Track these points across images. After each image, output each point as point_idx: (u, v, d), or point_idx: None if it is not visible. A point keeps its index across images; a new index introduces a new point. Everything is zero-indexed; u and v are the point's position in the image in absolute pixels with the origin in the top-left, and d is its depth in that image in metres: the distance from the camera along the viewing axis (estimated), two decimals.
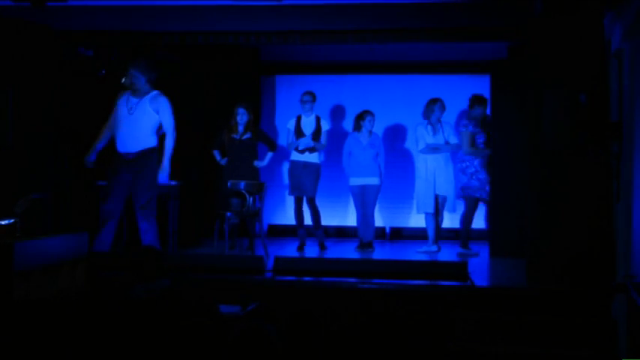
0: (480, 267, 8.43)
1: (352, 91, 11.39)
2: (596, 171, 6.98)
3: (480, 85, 10.65)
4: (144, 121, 8.27)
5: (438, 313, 6.84)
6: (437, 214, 9.59)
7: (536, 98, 7.28)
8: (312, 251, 9.66)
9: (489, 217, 9.66)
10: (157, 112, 8.28)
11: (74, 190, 8.77)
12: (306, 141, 9.57)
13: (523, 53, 8.57)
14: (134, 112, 8.25)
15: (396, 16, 8.08)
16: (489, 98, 9.68)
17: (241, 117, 9.51)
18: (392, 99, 11.23)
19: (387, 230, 11.21)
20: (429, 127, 9.47)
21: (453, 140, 9.47)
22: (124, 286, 5.75)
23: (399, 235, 11.20)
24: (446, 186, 9.47)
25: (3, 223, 6.56)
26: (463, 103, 10.90)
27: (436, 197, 9.48)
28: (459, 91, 10.93)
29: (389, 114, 11.08)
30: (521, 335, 6.60)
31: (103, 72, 9.24)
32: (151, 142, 8.32)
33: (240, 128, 9.57)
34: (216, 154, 9.80)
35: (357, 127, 9.68)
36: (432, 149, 9.42)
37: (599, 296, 6.75)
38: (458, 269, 7.63)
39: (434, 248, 9.56)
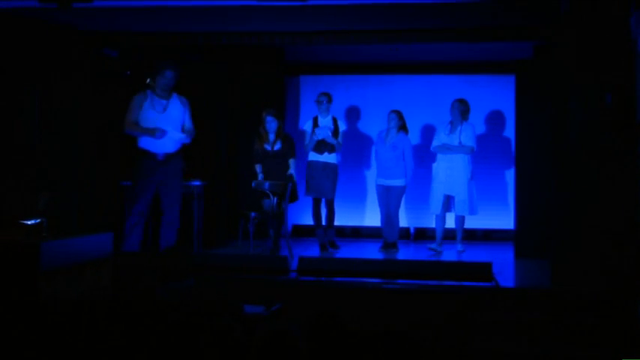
0: (504, 268, 8.39)
1: (376, 92, 11.36)
2: (621, 172, 6.93)
3: (505, 85, 10.62)
4: (178, 119, 8.51)
5: (463, 313, 6.82)
6: (443, 214, 9.56)
7: (561, 98, 7.24)
8: (335, 252, 9.65)
9: (515, 219, 9.61)
10: (185, 110, 8.43)
11: (99, 190, 8.82)
12: (323, 131, 9.50)
13: (549, 53, 8.52)
14: (168, 110, 8.37)
15: (420, 16, 8.06)
16: (514, 98, 9.63)
17: (270, 124, 9.37)
18: (416, 99, 11.19)
19: (412, 231, 11.18)
20: (449, 126, 9.43)
21: (467, 142, 9.31)
22: (149, 286, 5.78)
23: (424, 235, 11.15)
24: (456, 187, 9.33)
25: (29, 222, 6.60)
26: (488, 104, 10.89)
27: (446, 198, 9.44)
28: (483, 91, 10.90)
29: (413, 114, 10.99)
30: (546, 336, 6.57)
31: (128, 73, 9.28)
32: (180, 142, 8.50)
33: (271, 136, 9.41)
34: (259, 168, 9.50)
35: None
36: (441, 148, 9.39)
37: (625, 297, 6.71)
38: (483, 270, 7.61)
39: (439, 249, 9.52)
